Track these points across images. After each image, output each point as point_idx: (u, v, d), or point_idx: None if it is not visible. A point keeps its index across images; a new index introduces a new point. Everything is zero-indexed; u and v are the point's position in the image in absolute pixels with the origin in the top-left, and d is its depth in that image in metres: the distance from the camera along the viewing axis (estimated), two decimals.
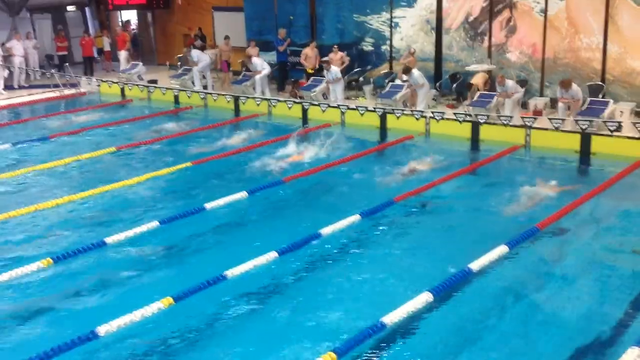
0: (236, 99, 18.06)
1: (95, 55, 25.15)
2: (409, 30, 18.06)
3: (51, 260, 8.37)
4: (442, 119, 14.50)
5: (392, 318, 6.78)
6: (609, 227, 9.62)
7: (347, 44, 18.96)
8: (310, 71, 18.46)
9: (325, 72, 17.14)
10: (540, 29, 15.60)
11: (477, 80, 15.90)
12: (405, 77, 16.31)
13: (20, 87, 22.46)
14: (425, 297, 7.18)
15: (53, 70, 21.94)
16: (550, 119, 13.46)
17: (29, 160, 13.57)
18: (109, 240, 8.97)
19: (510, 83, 14.78)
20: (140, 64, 22.28)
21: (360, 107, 15.96)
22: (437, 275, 7.83)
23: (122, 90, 20.63)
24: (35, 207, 10.36)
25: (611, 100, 13.88)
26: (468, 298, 7.63)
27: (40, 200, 10.79)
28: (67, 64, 22.93)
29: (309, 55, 18.52)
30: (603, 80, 14.80)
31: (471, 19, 16.81)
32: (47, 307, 7.64)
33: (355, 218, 9.54)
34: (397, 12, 18.13)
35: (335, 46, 18.38)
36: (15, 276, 8.01)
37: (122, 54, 23.50)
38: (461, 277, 7.75)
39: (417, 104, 15.93)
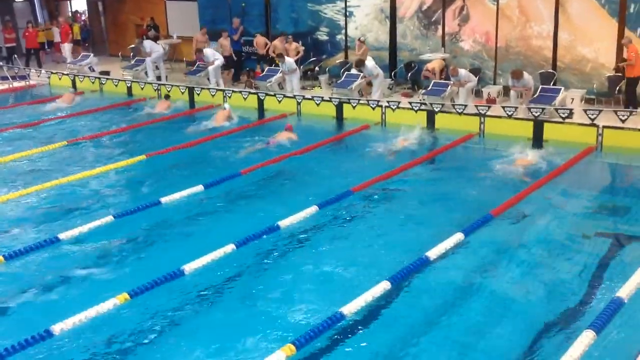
0: (190, 90, 17.85)
1: (46, 47, 24.50)
2: (363, 20, 18.09)
3: (2, 258, 8.17)
4: (398, 108, 14.57)
5: (350, 308, 6.80)
6: (561, 212, 9.79)
7: (302, 33, 18.89)
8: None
9: (280, 63, 17.05)
10: (493, 18, 15.78)
11: (434, 65, 16.01)
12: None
13: None
14: (383, 286, 7.22)
15: (1, 63, 21.38)
16: (503, 107, 13.65)
17: None
18: (62, 236, 8.79)
19: (463, 72, 14.93)
20: (91, 55, 21.82)
21: (316, 97, 15.94)
22: (395, 264, 7.89)
23: (73, 82, 20.19)
24: None
25: (562, 88, 14.13)
26: (426, 285, 7.70)
27: None
28: (15, 55, 22.39)
29: (288, 49, 18.21)
30: (554, 68, 15.07)
31: (425, 7, 16.90)
32: (4, 304, 7.45)
33: (313, 209, 9.53)
34: (352, 1, 18.12)
35: (290, 36, 18.31)
36: None
37: (67, 47, 22.88)
38: (419, 265, 7.81)
39: (372, 93, 15.98)
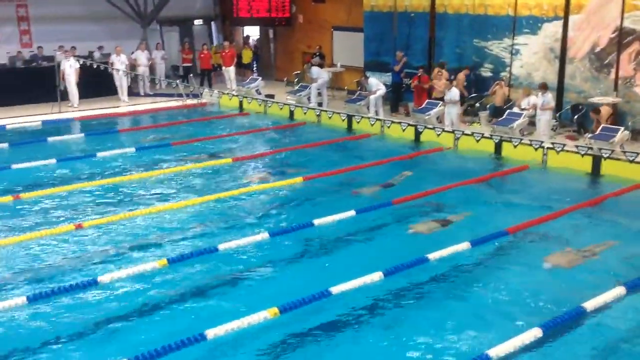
0: (350, 118, 18.20)
1: (216, 68, 26.04)
2: (530, 58, 17.66)
3: (166, 261, 8.73)
4: (562, 150, 13.96)
5: (497, 351, 6.59)
6: None
7: (465, 68, 18.75)
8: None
9: (445, 90, 17.07)
10: None
11: (604, 111, 15.31)
12: (540, 94, 16.00)
13: (146, 95, 23.68)
14: (534, 333, 6.95)
15: (178, 81, 22.99)
16: None
17: (152, 164, 14.26)
18: (220, 247, 9.25)
19: None
20: (259, 78, 22.94)
21: (476, 133, 15.67)
22: (548, 311, 7.58)
23: (241, 103, 21.28)
24: (157, 209, 11.06)
25: None
26: (579, 336, 7.30)
27: (163, 202, 11.53)
28: (191, 75, 23.99)
29: (460, 79, 18.38)
30: None
31: (597, 49, 16.22)
32: (165, 305, 7.94)
33: (465, 245, 9.35)
34: (519, 39, 17.78)
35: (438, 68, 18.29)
36: (133, 273, 8.48)
37: (230, 70, 24.15)
38: (574, 316, 7.43)
39: (540, 132, 15.55)
